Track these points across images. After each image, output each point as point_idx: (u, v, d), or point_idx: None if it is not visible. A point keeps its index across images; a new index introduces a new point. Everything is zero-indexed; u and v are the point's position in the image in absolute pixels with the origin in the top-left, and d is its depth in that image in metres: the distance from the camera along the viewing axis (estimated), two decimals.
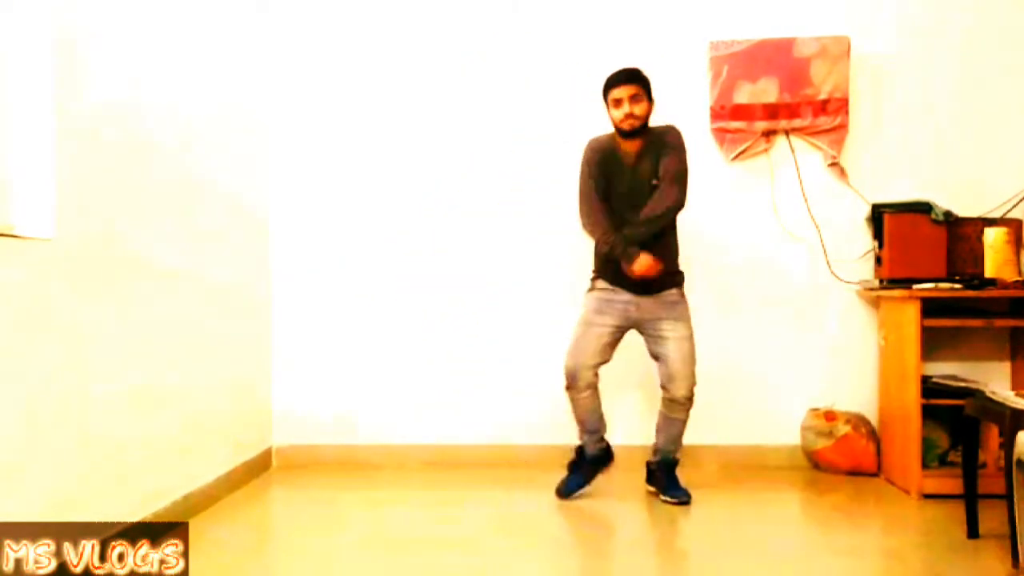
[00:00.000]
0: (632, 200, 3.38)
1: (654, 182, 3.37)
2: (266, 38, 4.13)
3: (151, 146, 3.01)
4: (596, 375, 3.44)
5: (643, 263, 3.29)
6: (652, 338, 3.43)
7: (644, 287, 3.36)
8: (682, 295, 3.46)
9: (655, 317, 3.40)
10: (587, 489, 3.52)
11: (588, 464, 3.55)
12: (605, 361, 3.45)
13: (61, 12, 2.49)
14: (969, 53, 4.00)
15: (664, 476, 3.50)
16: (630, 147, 3.40)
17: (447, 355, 4.14)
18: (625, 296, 3.41)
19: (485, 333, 4.12)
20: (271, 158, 4.18)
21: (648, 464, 3.58)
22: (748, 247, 4.07)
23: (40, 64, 2.43)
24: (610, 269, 3.42)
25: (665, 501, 3.45)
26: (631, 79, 3.33)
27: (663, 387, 3.43)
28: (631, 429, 3.88)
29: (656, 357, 3.44)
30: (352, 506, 3.55)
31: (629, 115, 3.31)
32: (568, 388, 3.45)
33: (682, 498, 3.42)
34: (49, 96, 2.44)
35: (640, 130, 3.36)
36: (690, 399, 3.39)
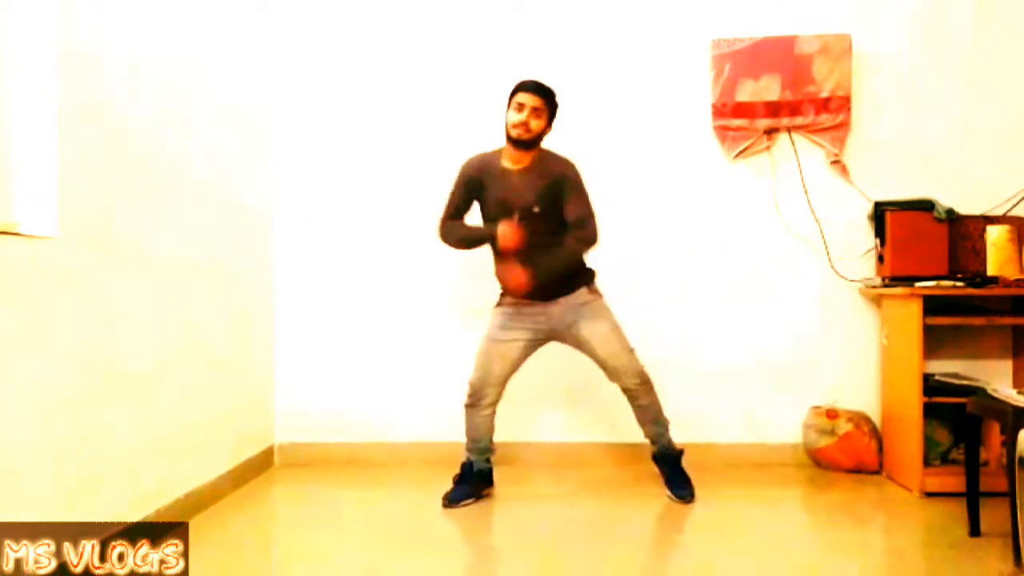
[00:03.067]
0: (507, 215, 3.29)
1: (535, 209, 3.27)
2: (268, 34, 4.13)
3: (154, 144, 3.01)
4: (501, 393, 3.44)
5: (505, 233, 3.23)
6: (574, 342, 3.41)
7: (549, 293, 3.31)
8: (592, 292, 3.40)
9: (568, 323, 3.36)
10: (472, 501, 3.45)
11: (475, 477, 3.50)
12: (511, 375, 3.44)
13: (64, 10, 2.49)
14: (971, 50, 3.99)
15: (669, 469, 3.50)
16: (515, 163, 3.33)
17: (450, 353, 4.13)
18: (533, 308, 3.37)
19: None
20: (274, 155, 4.19)
21: (652, 453, 3.55)
22: (750, 245, 4.06)
23: (43, 62, 2.43)
24: (508, 294, 3.41)
25: (668, 497, 3.45)
26: (537, 91, 3.28)
27: (612, 382, 3.42)
28: (630, 428, 3.87)
29: (591, 357, 3.41)
30: (354, 504, 3.55)
31: (523, 124, 3.24)
32: (470, 406, 3.43)
33: (684, 496, 3.41)
34: (52, 94, 2.44)
35: (527, 144, 3.28)
36: (643, 384, 3.36)
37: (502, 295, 3.49)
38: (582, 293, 3.37)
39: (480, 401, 3.42)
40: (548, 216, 3.31)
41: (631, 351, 3.38)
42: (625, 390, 3.40)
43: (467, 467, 3.50)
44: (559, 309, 3.36)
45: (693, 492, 3.43)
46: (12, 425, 2.26)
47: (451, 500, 3.42)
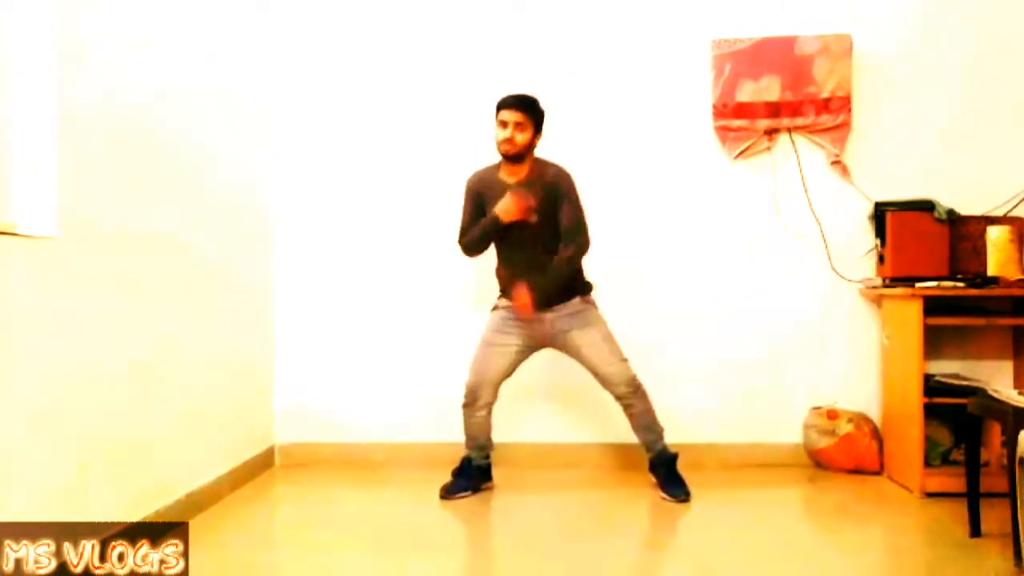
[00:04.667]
0: (508, 231, 3.40)
1: (531, 219, 3.36)
2: (268, 33, 4.13)
3: (154, 144, 3.01)
4: (496, 394, 3.52)
5: (505, 205, 3.33)
6: (568, 351, 3.49)
7: (544, 303, 3.38)
8: (586, 302, 3.48)
9: (561, 331, 3.43)
10: (469, 494, 3.53)
11: (475, 472, 3.59)
12: (507, 378, 3.53)
13: (64, 9, 2.49)
14: (972, 50, 3.99)
15: (663, 471, 3.51)
16: (512, 176, 3.43)
17: (450, 353, 4.13)
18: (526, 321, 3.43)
19: None
20: (274, 156, 4.19)
21: (649, 459, 3.58)
22: (750, 245, 4.06)
23: (43, 61, 2.43)
24: (504, 295, 3.50)
25: (663, 498, 3.45)
26: (520, 105, 3.36)
27: (605, 389, 3.48)
28: (625, 429, 3.88)
29: (583, 364, 3.48)
30: (354, 504, 3.55)
31: (509, 140, 3.35)
32: (466, 406, 3.52)
33: (679, 496, 3.42)
34: (52, 94, 2.44)
35: (515, 158, 3.39)
36: (634, 391, 3.42)
37: (499, 297, 3.57)
38: (575, 302, 3.45)
39: (475, 402, 3.50)
40: (544, 226, 3.40)
41: (623, 359, 3.44)
42: (617, 397, 3.46)
43: (466, 462, 3.59)
44: (553, 316, 3.43)
45: (688, 492, 3.44)
46: (12, 425, 2.26)
47: (448, 492, 3.51)
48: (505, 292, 3.52)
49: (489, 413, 3.54)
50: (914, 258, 3.68)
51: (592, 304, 3.50)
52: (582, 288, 3.49)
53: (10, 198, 2.38)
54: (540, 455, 4.01)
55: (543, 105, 3.44)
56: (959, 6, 4.00)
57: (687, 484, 3.47)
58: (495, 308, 3.57)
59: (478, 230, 3.46)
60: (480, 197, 3.49)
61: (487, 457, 3.62)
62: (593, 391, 3.57)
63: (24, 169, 2.41)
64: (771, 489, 3.73)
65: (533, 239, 3.40)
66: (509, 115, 3.35)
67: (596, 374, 3.45)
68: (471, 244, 3.52)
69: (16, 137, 2.40)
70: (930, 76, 4.01)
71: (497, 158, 3.47)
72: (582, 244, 3.41)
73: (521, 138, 3.35)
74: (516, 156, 3.39)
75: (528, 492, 3.55)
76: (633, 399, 3.43)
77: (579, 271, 3.50)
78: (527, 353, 3.53)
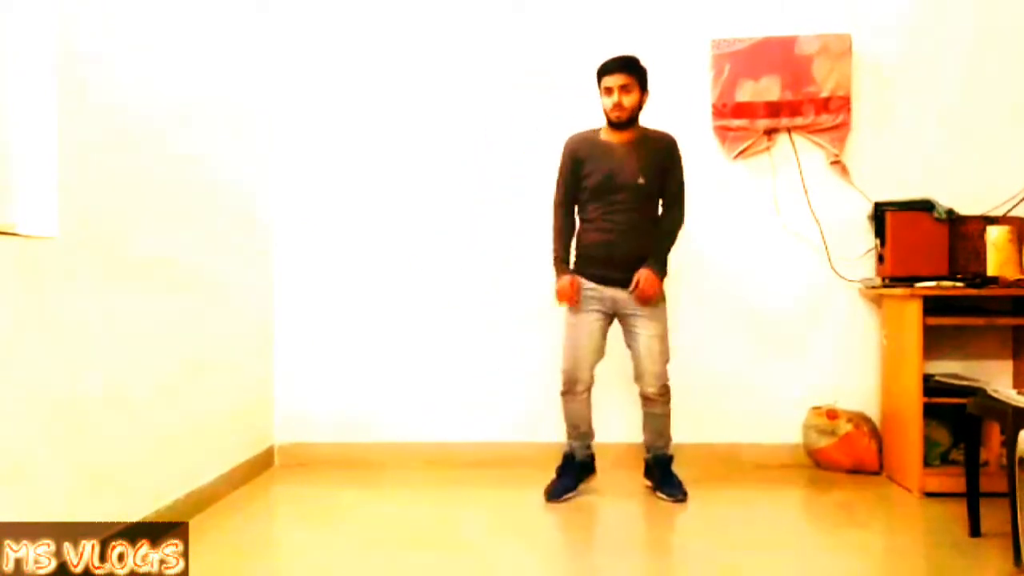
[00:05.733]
0: (611, 192, 3.37)
1: (640, 181, 3.34)
2: (269, 38, 4.13)
3: (154, 145, 3.01)
4: (593, 376, 3.46)
5: (562, 289, 3.39)
6: (626, 330, 3.45)
7: (615, 281, 3.37)
8: (661, 291, 3.43)
9: (632, 311, 3.39)
10: (574, 494, 3.50)
11: (577, 469, 3.55)
12: (600, 358, 3.46)
13: (64, 11, 2.49)
14: (971, 50, 3.99)
15: (659, 472, 3.51)
16: (617, 139, 3.39)
17: (451, 352, 4.14)
18: (601, 292, 3.41)
19: (489, 330, 4.12)
20: (275, 158, 4.19)
21: (645, 460, 3.59)
22: (750, 245, 4.06)
23: (43, 62, 2.43)
24: (588, 269, 3.44)
25: (660, 498, 3.45)
26: (622, 67, 3.30)
27: (636, 382, 3.45)
28: (628, 427, 3.87)
29: (629, 348, 3.46)
30: (355, 504, 3.54)
31: (617, 105, 3.31)
32: (565, 392, 3.46)
33: (677, 496, 3.42)
34: (52, 94, 2.44)
35: (628, 123, 3.35)
36: (662, 395, 3.41)
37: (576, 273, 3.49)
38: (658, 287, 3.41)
39: (575, 386, 3.44)
40: (651, 190, 3.39)
41: (666, 361, 3.41)
42: (644, 395, 3.44)
43: (569, 458, 3.56)
44: (628, 297, 3.38)
45: (685, 492, 3.44)
46: (12, 425, 2.26)
47: (553, 495, 3.46)
48: (580, 272, 3.45)
49: (589, 396, 3.47)
50: (914, 258, 3.68)
51: (664, 300, 3.43)
52: (663, 273, 3.43)
53: (10, 198, 2.39)
54: (546, 452, 4.01)
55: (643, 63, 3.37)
56: (959, 6, 4.00)
57: (683, 484, 3.47)
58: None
59: (556, 246, 3.48)
60: (579, 158, 3.42)
61: (589, 447, 3.57)
62: (600, 388, 3.55)
63: (24, 169, 2.41)
64: (771, 489, 3.73)
65: (637, 202, 3.36)
66: (613, 80, 3.30)
67: (637, 365, 3.41)
68: (554, 233, 3.50)
69: (16, 137, 2.40)
70: (930, 76, 4.01)
71: (601, 123, 3.43)
72: (683, 213, 3.44)
73: (629, 101, 3.30)
74: (628, 121, 3.34)
75: (528, 491, 3.55)
76: (659, 402, 3.42)
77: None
78: (607, 322, 3.45)
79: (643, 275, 3.33)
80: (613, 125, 3.37)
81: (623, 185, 3.35)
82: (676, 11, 4.10)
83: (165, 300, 3.09)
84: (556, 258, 3.48)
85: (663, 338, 3.40)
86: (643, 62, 3.37)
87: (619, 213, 3.37)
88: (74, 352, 2.53)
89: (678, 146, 3.45)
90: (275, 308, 4.20)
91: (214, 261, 3.52)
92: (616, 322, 3.48)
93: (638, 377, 3.43)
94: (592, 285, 3.42)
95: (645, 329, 3.38)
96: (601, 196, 3.38)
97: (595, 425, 3.56)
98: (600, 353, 3.46)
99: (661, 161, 3.39)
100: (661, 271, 3.39)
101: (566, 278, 3.41)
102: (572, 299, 3.39)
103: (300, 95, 4.21)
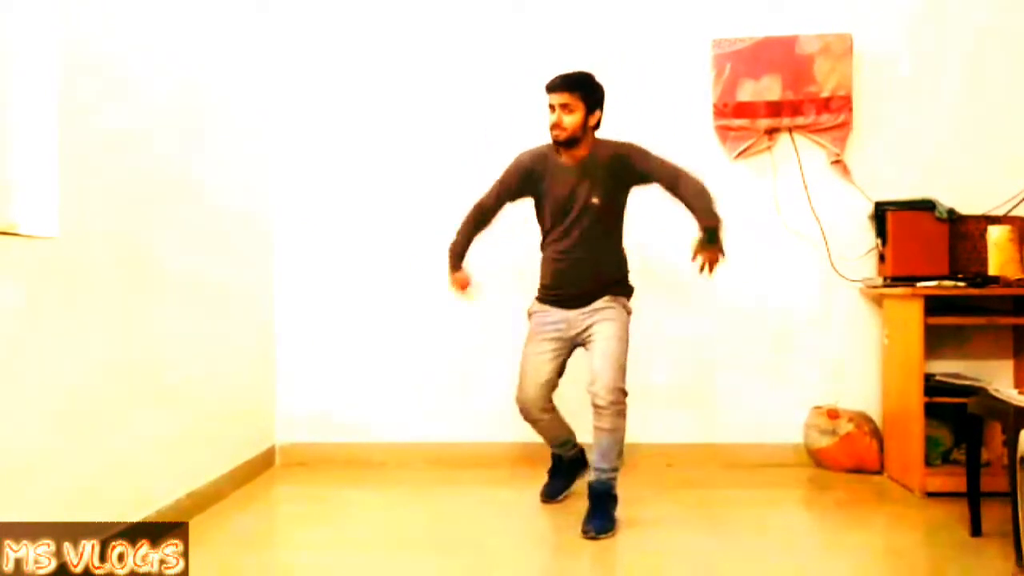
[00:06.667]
0: (564, 212, 3.19)
1: (594, 200, 3.15)
2: (269, 39, 4.13)
3: (155, 146, 3.01)
4: (549, 401, 3.27)
5: (457, 282, 3.38)
6: (586, 343, 3.21)
7: (572, 302, 3.20)
8: (615, 302, 3.22)
9: (586, 327, 3.18)
10: (569, 492, 3.49)
11: (567, 467, 3.51)
12: (551, 388, 3.26)
13: (64, 11, 2.49)
14: (972, 49, 3.99)
15: (591, 501, 3.12)
16: (568, 159, 3.18)
17: (451, 352, 4.14)
18: (556, 315, 3.24)
19: (488, 330, 4.11)
20: (274, 159, 4.19)
21: (589, 483, 3.17)
22: (751, 245, 4.05)
23: (43, 62, 2.44)
24: (543, 288, 3.32)
25: (583, 532, 3.01)
26: (563, 86, 3.11)
27: (588, 390, 3.09)
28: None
29: (588, 355, 3.22)
30: (355, 504, 3.55)
31: (556, 124, 3.11)
32: (524, 419, 3.32)
33: (591, 533, 2.99)
34: (53, 95, 2.44)
35: (567, 143, 3.14)
36: (613, 404, 3.02)
37: (536, 300, 3.36)
38: (605, 299, 3.21)
39: (530, 415, 3.28)
40: (608, 209, 3.20)
41: (621, 368, 3.10)
42: (594, 404, 3.06)
43: (556, 459, 3.51)
44: (579, 315, 3.20)
45: (610, 529, 3.04)
46: (12, 425, 2.26)
47: (549, 495, 3.44)
48: (549, 289, 3.28)
49: (553, 415, 3.31)
50: (914, 257, 3.68)
51: (620, 306, 3.23)
52: (617, 290, 3.25)
53: (10, 198, 2.39)
54: (545, 453, 4.01)
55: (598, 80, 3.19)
56: (959, 6, 4.00)
57: (615, 519, 3.10)
58: (530, 314, 3.33)
59: (455, 247, 3.40)
60: (531, 174, 3.23)
61: (574, 446, 3.44)
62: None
63: (24, 169, 2.41)
64: (771, 489, 3.73)
65: (593, 221, 3.16)
66: (555, 98, 3.10)
67: (591, 370, 3.11)
68: (458, 238, 3.41)
69: (17, 138, 2.41)
70: (930, 76, 4.01)
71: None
72: (695, 176, 3.18)
73: (569, 120, 3.08)
74: (568, 142, 3.12)
75: (528, 491, 3.55)
76: (606, 412, 3.02)
77: (625, 272, 3.32)
78: (563, 354, 3.25)
79: (706, 253, 3.11)
80: (557, 144, 3.17)
81: (578, 205, 3.16)
82: (677, 11, 4.10)
83: (165, 300, 3.09)
84: (453, 252, 3.39)
85: (620, 340, 3.13)
86: (596, 79, 3.19)
87: (575, 231, 3.19)
88: (74, 352, 2.53)
89: (633, 145, 3.20)
90: (276, 308, 4.20)
91: (215, 261, 3.52)
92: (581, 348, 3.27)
93: (590, 383, 3.07)
94: (546, 308, 3.27)
95: (602, 330, 3.14)
96: (557, 217, 3.21)
97: (578, 424, 3.48)
98: (550, 384, 3.24)
99: (615, 173, 3.16)
100: (716, 236, 3.10)
101: (461, 273, 3.37)
102: (463, 286, 3.36)
103: (300, 96, 4.21)
